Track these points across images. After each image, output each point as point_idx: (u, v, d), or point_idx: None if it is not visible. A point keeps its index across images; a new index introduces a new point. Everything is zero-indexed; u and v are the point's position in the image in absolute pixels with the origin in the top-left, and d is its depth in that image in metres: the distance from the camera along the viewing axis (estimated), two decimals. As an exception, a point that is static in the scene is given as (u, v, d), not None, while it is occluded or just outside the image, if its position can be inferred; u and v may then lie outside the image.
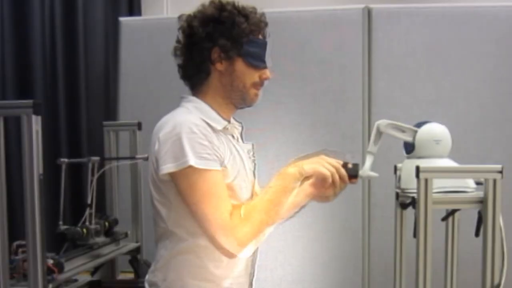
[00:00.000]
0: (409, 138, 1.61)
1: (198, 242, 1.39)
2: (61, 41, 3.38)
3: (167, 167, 1.33)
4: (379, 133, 1.61)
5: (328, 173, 1.38)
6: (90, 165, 2.33)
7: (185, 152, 1.31)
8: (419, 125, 1.62)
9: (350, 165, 1.41)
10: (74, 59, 3.40)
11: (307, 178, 1.42)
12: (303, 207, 1.57)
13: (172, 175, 1.34)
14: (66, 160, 2.30)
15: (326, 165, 1.39)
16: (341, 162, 1.41)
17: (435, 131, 1.60)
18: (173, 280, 1.42)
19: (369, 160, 1.57)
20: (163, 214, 1.41)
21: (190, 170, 1.31)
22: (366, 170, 1.53)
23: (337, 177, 1.39)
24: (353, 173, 1.41)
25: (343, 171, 1.40)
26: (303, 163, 1.40)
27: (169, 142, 1.33)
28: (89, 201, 2.27)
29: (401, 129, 1.62)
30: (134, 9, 3.63)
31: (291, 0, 3.24)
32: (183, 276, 1.42)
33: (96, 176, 2.33)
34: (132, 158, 2.54)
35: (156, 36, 2.70)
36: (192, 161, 1.30)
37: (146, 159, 2.33)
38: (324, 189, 1.45)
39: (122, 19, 2.90)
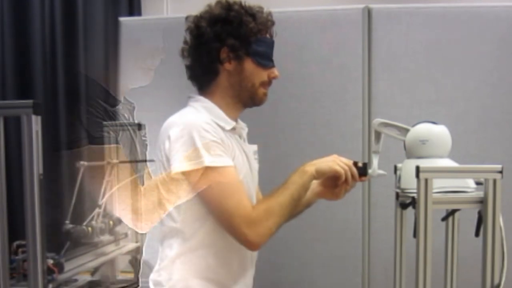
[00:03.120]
0: (403, 137, 1.63)
1: (204, 241, 1.39)
2: (61, 41, 3.38)
3: (181, 166, 1.33)
4: (377, 132, 1.63)
5: (342, 171, 1.44)
6: (108, 167, 2.39)
7: (199, 152, 1.31)
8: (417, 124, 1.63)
9: (360, 164, 1.48)
10: (74, 59, 3.40)
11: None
12: (309, 206, 1.60)
13: (185, 174, 1.34)
14: (85, 163, 2.36)
15: (340, 164, 1.45)
16: (352, 161, 1.47)
17: (421, 132, 1.60)
18: (178, 279, 1.42)
19: (375, 159, 1.62)
20: (172, 212, 1.42)
21: (206, 169, 1.32)
22: (375, 169, 1.60)
23: (349, 175, 1.45)
24: (363, 172, 1.49)
25: (354, 169, 1.47)
26: (318, 161, 1.44)
27: (180, 141, 1.33)
28: (100, 201, 2.31)
29: (396, 128, 1.64)
30: (134, 9, 3.63)
31: (291, 0, 3.24)
32: (188, 275, 1.42)
33: (113, 178, 2.38)
34: (144, 161, 2.55)
35: (156, 36, 2.70)
36: (208, 160, 1.31)
37: None
38: (334, 187, 1.50)
39: (122, 19, 2.89)
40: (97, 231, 2.32)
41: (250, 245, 1.37)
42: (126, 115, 1.51)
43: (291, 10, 2.62)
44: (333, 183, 1.50)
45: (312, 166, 1.43)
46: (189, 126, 1.34)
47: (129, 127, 1.56)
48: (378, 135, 1.64)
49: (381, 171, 1.60)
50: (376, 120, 1.65)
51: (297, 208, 1.46)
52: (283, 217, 1.39)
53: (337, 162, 1.44)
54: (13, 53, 3.25)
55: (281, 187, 1.41)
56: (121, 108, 1.49)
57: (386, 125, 1.64)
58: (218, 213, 1.36)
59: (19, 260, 1.86)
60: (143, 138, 1.64)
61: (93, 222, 2.31)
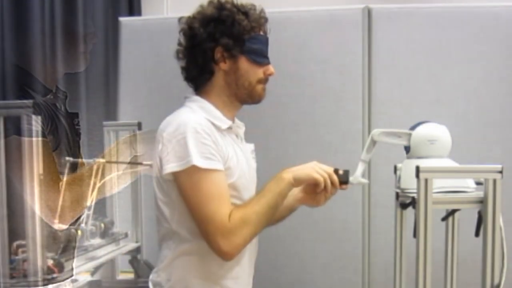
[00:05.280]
0: (405, 143, 1.61)
1: (201, 242, 1.39)
2: (61, 41, 3.38)
3: (171, 167, 1.33)
4: (373, 142, 1.61)
5: (321, 179, 1.41)
6: (95, 167, 2.31)
7: (189, 152, 1.31)
8: (416, 126, 1.62)
9: (341, 172, 1.45)
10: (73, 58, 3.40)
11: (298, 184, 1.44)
12: (292, 211, 1.59)
13: (175, 174, 1.34)
14: (71, 159, 2.28)
15: (319, 171, 1.42)
16: (332, 168, 1.44)
17: (429, 131, 1.60)
18: (177, 280, 1.43)
19: (361, 168, 1.59)
20: (166, 214, 1.41)
21: (193, 169, 1.31)
22: (357, 177, 1.56)
23: (329, 182, 1.42)
24: (344, 179, 1.46)
25: (335, 177, 1.44)
26: (297, 169, 1.42)
27: (173, 142, 1.33)
28: (88, 203, 2.25)
29: (397, 135, 1.62)
30: (134, 9, 3.63)
31: (291, 0, 3.24)
32: (187, 276, 1.42)
33: (101, 181, 2.31)
34: (138, 163, 2.53)
35: (156, 36, 2.70)
36: (196, 160, 1.31)
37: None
38: (315, 194, 1.47)
39: (122, 19, 2.89)
40: (87, 234, 2.22)
41: (223, 255, 1.35)
42: (58, 105, 1.52)
43: (291, 10, 2.62)
44: (313, 190, 1.47)
45: (289, 173, 1.40)
46: (183, 127, 1.34)
47: (59, 115, 1.54)
48: (372, 145, 1.62)
49: (363, 180, 1.57)
50: (376, 131, 1.62)
51: (274, 215, 1.42)
52: (259, 226, 1.37)
53: (316, 170, 1.41)
54: (13, 53, 3.25)
55: (258, 195, 1.40)
56: (53, 98, 1.50)
57: (387, 134, 1.62)
58: (196, 217, 1.35)
59: (19, 260, 1.86)
60: (77, 127, 1.64)
61: (82, 225, 2.22)
